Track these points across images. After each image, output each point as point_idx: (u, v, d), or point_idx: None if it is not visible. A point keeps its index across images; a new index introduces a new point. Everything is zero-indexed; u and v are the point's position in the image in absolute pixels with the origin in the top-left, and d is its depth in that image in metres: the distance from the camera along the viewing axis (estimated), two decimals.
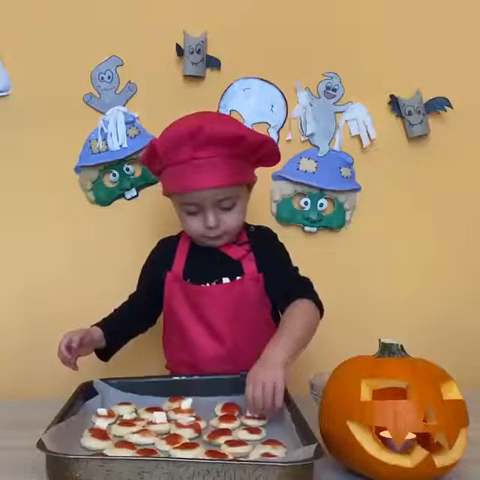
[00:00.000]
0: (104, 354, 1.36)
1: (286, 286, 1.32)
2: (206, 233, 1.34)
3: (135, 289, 1.47)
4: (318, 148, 1.71)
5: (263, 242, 1.41)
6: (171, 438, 1.02)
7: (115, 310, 1.42)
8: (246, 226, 1.42)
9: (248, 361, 1.24)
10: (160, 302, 1.41)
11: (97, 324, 1.35)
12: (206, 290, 1.36)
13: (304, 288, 1.32)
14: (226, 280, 1.37)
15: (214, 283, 1.36)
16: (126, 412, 1.15)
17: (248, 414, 1.13)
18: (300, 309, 1.26)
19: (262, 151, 1.33)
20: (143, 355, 1.61)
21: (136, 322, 1.43)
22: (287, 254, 1.41)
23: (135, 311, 1.42)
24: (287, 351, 1.15)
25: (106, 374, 1.30)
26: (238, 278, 1.36)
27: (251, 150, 1.31)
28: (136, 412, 1.16)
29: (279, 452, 0.96)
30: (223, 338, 1.35)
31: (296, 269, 1.38)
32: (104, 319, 1.37)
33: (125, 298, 1.45)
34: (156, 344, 1.49)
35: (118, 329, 1.37)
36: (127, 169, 1.70)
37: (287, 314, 1.25)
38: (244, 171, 1.33)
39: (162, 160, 1.31)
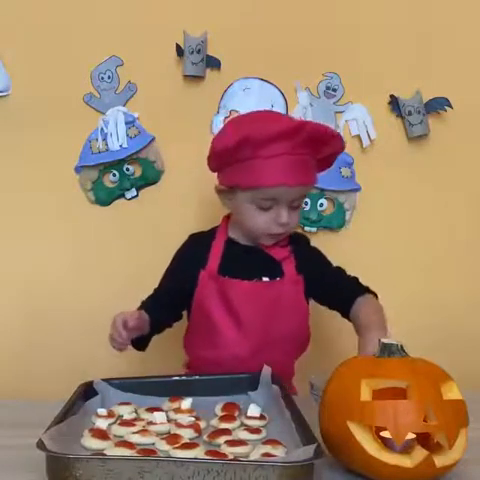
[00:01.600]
0: (140, 343, 1.32)
1: (346, 285, 1.36)
2: (273, 229, 1.33)
3: (159, 284, 1.41)
4: None
5: (302, 245, 1.43)
6: (171, 438, 1.02)
7: (145, 301, 1.36)
8: None
9: (273, 363, 1.24)
10: (188, 299, 1.38)
11: (141, 309, 1.30)
12: (243, 286, 1.35)
13: (361, 284, 1.37)
14: (265, 279, 1.36)
15: (253, 280, 1.36)
16: (126, 412, 1.15)
17: (249, 414, 1.12)
18: (370, 304, 1.31)
19: (332, 157, 1.36)
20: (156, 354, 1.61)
21: (166, 316, 1.38)
22: (326, 257, 1.44)
23: (164, 305, 1.37)
24: None
25: (107, 374, 1.30)
26: (278, 279, 1.36)
27: (330, 154, 1.33)
28: (136, 412, 1.16)
29: (279, 452, 0.96)
30: (252, 336, 1.34)
31: (342, 269, 1.41)
32: (145, 305, 1.33)
33: (125, 298, 1.44)
34: (171, 345, 1.49)
35: (155, 318, 1.32)
36: (127, 169, 1.70)
37: (364, 311, 1.28)
38: (316, 171, 1.35)
39: (254, 150, 1.26)
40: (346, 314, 1.33)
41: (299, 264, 1.38)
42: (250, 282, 1.36)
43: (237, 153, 1.29)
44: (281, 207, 1.30)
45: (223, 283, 1.36)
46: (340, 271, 1.41)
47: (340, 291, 1.36)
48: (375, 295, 1.35)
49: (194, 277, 1.37)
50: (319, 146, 1.29)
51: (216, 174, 1.38)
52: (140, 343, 1.32)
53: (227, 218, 1.43)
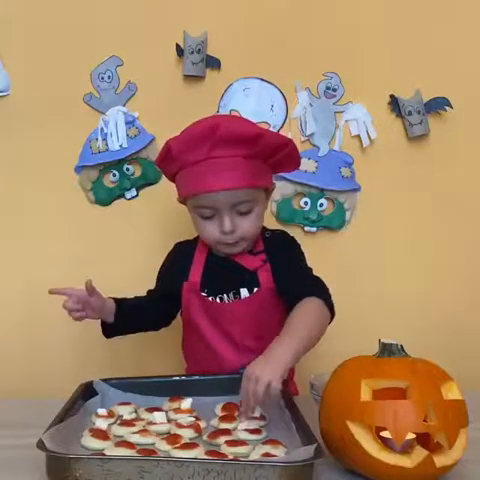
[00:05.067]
0: (108, 330, 1.34)
1: (296, 285, 1.28)
2: (222, 239, 1.29)
3: (154, 286, 1.44)
4: (318, 148, 1.71)
5: (278, 249, 1.36)
6: (171, 438, 1.02)
7: (133, 297, 1.39)
8: (262, 232, 1.38)
9: None
10: (175, 307, 1.39)
11: (113, 298, 1.33)
12: (225, 307, 1.33)
13: (314, 287, 1.27)
14: (244, 291, 1.34)
15: (231, 295, 1.34)
16: (126, 412, 1.15)
17: (242, 411, 1.12)
18: (308, 307, 1.21)
19: (281, 154, 1.28)
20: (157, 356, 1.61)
21: (149, 317, 1.40)
22: (301, 255, 1.37)
23: (150, 307, 1.39)
24: (291, 351, 1.10)
25: (107, 374, 1.30)
26: (256, 289, 1.33)
27: (269, 152, 1.26)
28: (136, 412, 1.16)
29: (279, 452, 0.96)
30: (250, 353, 1.26)
31: (309, 269, 1.34)
32: (120, 298, 1.35)
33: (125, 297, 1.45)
34: (170, 346, 1.48)
35: (130, 313, 1.34)
36: (127, 169, 1.70)
37: (294, 312, 1.20)
38: (262, 174, 1.28)
39: (177, 161, 1.26)
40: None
41: (275, 270, 1.32)
42: (229, 302, 1.34)
43: (168, 165, 1.30)
44: (222, 214, 1.26)
45: (205, 301, 1.35)
46: (301, 270, 1.33)
47: (289, 289, 1.29)
48: (328, 302, 1.24)
49: (178, 287, 1.37)
50: (245, 147, 1.22)
51: None
52: (106, 330, 1.34)
53: None
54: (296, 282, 1.29)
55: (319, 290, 1.26)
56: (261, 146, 1.24)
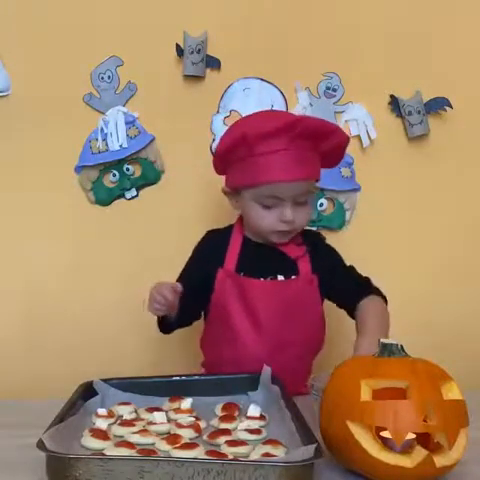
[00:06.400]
0: (168, 325, 1.33)
1: (353, 285, 1.36)
2: (279, 227, 1.33)
3: (177, 280, 1.38)
4: None
5: (317, 244, 1.42)
6: (171, 438, 1.02)
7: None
8: None
9: (289, 362, 1.25)
10: (207, 297, 1.38)
11: None
12: (259, 284, 1.35)
13: (370, 285, 1.36)
14: (281, 278, 1.36)
15: (269, 279, 1.36)
16: (126, 412, 1.15)
17: (249, 414, 1.12)
18: (376, 307, 1.31)
19: (337, 151, 1.35)
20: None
21: (186, 313, 1.36)
22: (340, 255, 1.43)
23: (183, 304, 1.33)
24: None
25: (107, 374, 1.30)
26: (293, 277, 1.36)
27: (332, 148, 1.32)
28: (136, 412, 1.16)
29: (279, 452, 0.96)
30: (270, 336, 1.33)
31: (353, 268, 1.41)
32: None
33: (125, 298, 1.45)
34: (170, 346, 1.48)
35: (182, 309, 1.30)
36: (127, 169, 1.70)
37: (368, 312, 1.29)
38: (318, 166, 1.34)
39: (251, 149, 1.27)
40: (351, 315, 1.34)
41: (314, 263, 1.37)
42: (266, 281, 1.36)
43: (235, 153, 1.30)
44: (284, 204, 1.30)
45: (241, 281, 1.35)
46: (350, 271, 1.41)
47: (346, 292, 1.36)
48: (384, 297, 1.35)
49: (212, 275, 1.37)
50: (318, 141, 1.29)
51: (223, 177, 1.39)
52: (165, 325, 1.33)
53: (242, 217, 1.42)
54: (352, 283, 1.37)
55: (374, 288, 1.36)
56: (329, 141, 1.30)
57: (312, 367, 1.44)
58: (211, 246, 1.42)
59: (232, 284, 1.36)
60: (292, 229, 1.34)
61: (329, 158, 1.35)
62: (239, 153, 1.30)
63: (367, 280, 1.38)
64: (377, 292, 1.35)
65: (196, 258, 1.42)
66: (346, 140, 1.36)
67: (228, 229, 1.43)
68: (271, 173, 1.27)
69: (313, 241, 1.42)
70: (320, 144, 1.30)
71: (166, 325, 1.34)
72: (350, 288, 1.36)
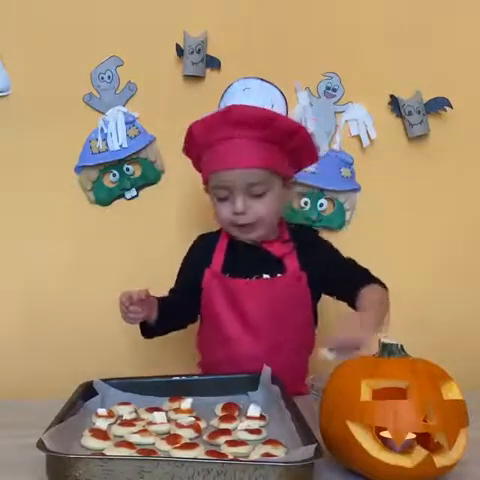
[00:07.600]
0: (149, 330, 1.34)
1: (352, 275, 1.35)
2: (235, 220, 1.33)
3: (175, 284, 1.43)
4: (318, 148, 1.71)
5: (307, 239, 1.42)
6: (171, 438, 1.02)
7: (160, 297, 1.36)
8: (288, 223, 1.43)
9: (285, 360, 1.25)
10: (199, 298, 1.39)
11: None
12: (245, 284, 1.36)
13: (370, 275, 1.35)
14: (266, 276, 1.37)
15: (254, 278, 1.36)
16: (126, 412, 1.15)
17: (249, 414, 1.12)
18: (377, 294, 1.29)
19: (295, 141, 1.33)
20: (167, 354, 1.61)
21: (180, 315, 1.39)
22: (336, 248, 1.43)
23: (178, 305, 1.38)
24: (375, 327, 1.15)
25: (107, 374, 1.30)
26: (279, 275, 1.36)
27: (283, 136, 1.31)
28: (136, 412, 1.16)
29: (279, 452, 0.96)
30: (260, 335, 1.34)
31: (353, 260, 1.41)
32: (159, 297, 1.33)
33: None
34: (170, 346, 1.48)
35: (168, 312, 1.32)
36: (127, 169, 1.70)
37: (365, 299, 1.26)
38: (276, 158, 1.33)
39: (197, 144, 1.33)
40: (352, 305, 1.32)
41: (303, 259, 1.37)
42: (251, 280, 1.36)
43: (192, 150, 1.37)
44: (236, 195, 1.31)
45: (226, 282, 1.36)
46: (348, 262, 1.40)
47: (345, 281, 1.34)
48: (384, 286, 1.34)
49: (201, 276, 1.38)
50: (262, 129, 1.28)
51: None
52: (148, 330, 1.34)
53: None
54: (350, 272, 1.36)
55: (373, 277, 1.35)
56: (273, 130, 1.29)
57: (308, 364, 1.43)
58: (200, 248, 1.44)
59: (218, 284, 1.37)
60: (251, 222, 1.33)
61: (297, 153, 1.35)
62: (195, 149, 1.36)
63: (366, 270, 1.38)
64: (377, 281, 1.34)
65: (187, 261, 1.45)
66: (294, 128, 1.33)
67: (218, 231, 1.44)
68: (214, 162, 1.31)
69: (302, 237, 1.41)
70: (263, 131, 1.28)
71: (147, 330, 1.34)
72: (349, 277, 1.34)
